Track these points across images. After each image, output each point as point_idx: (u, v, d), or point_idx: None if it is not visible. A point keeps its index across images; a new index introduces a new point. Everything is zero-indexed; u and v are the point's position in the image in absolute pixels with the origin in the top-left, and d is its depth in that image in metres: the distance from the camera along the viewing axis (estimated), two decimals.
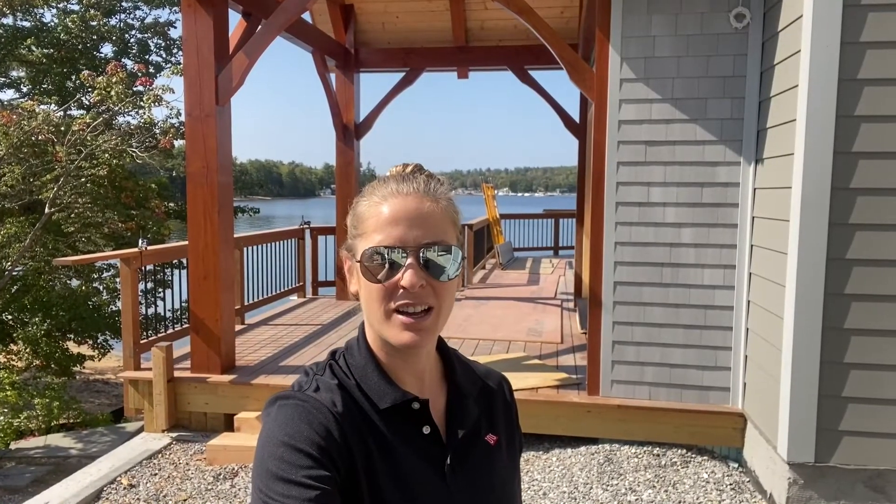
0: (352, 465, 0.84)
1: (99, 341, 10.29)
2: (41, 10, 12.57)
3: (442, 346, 1.00)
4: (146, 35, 13.94)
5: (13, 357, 9.50)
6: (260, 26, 5.01)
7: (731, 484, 3.88)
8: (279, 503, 0.76)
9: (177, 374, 4.88)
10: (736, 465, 4.13)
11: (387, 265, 0.85)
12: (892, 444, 3.37)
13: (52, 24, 12.57)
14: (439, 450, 0.92)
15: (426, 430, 0.92)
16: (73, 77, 12.08)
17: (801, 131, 3.34)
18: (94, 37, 12.73)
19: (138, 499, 3.87)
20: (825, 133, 3.29)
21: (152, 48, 14.00)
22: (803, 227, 3.35)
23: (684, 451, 4.22)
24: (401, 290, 0.86)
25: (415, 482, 0.88)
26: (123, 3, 13.54)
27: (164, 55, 14.08)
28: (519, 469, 1.07)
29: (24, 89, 12.97)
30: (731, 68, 4.09)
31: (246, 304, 6.83)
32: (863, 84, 3.26)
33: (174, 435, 4.71)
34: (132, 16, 13.80)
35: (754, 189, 4.08)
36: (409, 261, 0.85)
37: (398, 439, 0.89)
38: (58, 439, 6.44)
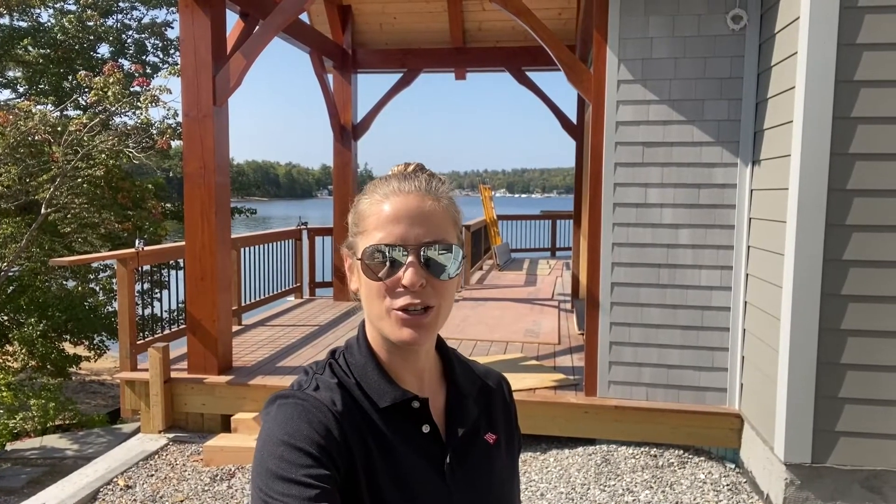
0: (351, 463, 0.84)
1: (95, 342, 10.27)
2: (38, 11, 12.54)
3: (441, 345, 1.00)
4: (143, 35, 13.92)
5: (9, 358, 9.48)
6: (257, 27, 5.00)
7: (727, 484, 3.88)
8: (279, 502, 0.76)
9: (173, 374, 4.87)
10: (733, 466, 4.14)
11: (388, 263, 0.85)
12: (889, 444, 3.38)
13: (49, 24, 12.55)
14: (439, 449, 0.92)
15: (426, 428, 0.92)
16: (70, 77, 12.04)
17: (797, 133, 3.35)
18: (91, 37, 12.70)
19: (135, 500, 3.86)
20: (822, 134, 3.30)
21: (149, 49, 13.99)
22: (800, 229, 3.36)
23: (681, 451, 4.23)
24: (401, 288, 0.86)
25: (414, 481, 0.88)
26: (120, 4, 13.51)
27: (161, 55, 14.07)
28: (518, 468, 1.07)
29: (21, 89, 12.93)
30: (728, 70, 4.10)
31: (243, 304, 6.82)
32: (859, 86, 3.28)
33: (171, 436, 4.70)
34: (129, 16, 13.79)
35: (751, 190, 4.09)
36: (410, 259, 0.85)
37: (398, 438, 0.89)
38: (54, 440, 6.42)
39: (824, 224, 3.34)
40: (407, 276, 0.84)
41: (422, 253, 0.85)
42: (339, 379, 0.90)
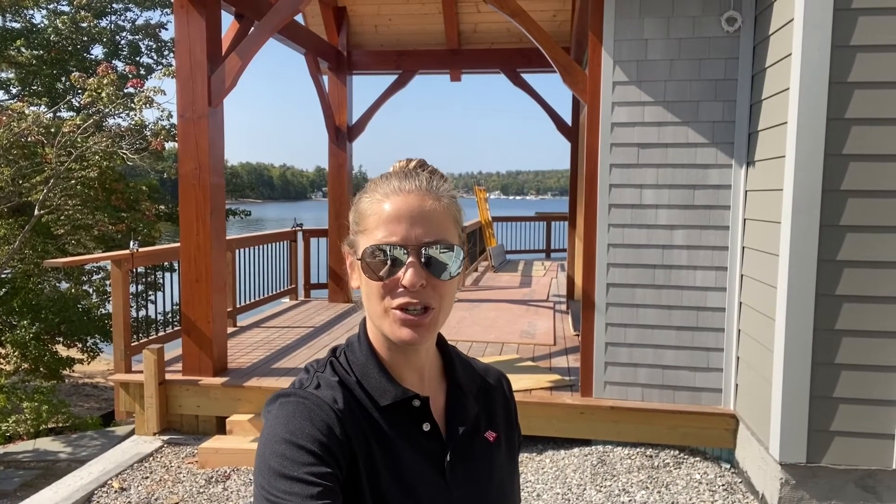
0: (353, 461, 0.84)
1: (88, 344, 10.22)
2: (31, 12, 12.49)
3: (442, 343, 1.00)
4: (137, 37, 13.87)
5: (1, 360, 9.42)
6: (253, 28, 5.00)
7: (723, 485, 3.89)
8: (282, 500, 0.76)
9: (168, 376, 4.85)
10: (728, 466, 4.15)
11: (388, 263, 0.86)
12: (883, 444, 3.39)
13: (42, 25, 12.49)
14: (439, 447, 0.92)
15: (426, 427, 0.92)
16: (64, 78, 11.99)
17: (792, 134, 3.37)
18: (85, 38, 12.65)
19: (129, 502, 3.84)
20: (816, 135, 3.32)
21: (143, 50, 13.94)
22: (794, 229, 3.37)
23: (677, 452, 4.24)
24: (401, 288, 0.86)
25: (414, 478, 0.88)
26: (114, 5, 13.47)
27: (155, 57, 14.02)
28: (518, 466, 1.07)
29: (14, 90, 12.87)
30: (722, 71, 4.12)
31: (238, 306, 6.80)
32: (853, 87, 3.30)
33: (165, 438, 4.68)
34: (123, 17, 13.74)
35: (746, 191, 4.11)
36: (411, 259, 0.85)
37: (398, 436, 0.89)
38: (47, 443, 6.39)
39: (818, 225, 3.35)
40: (407, 276, 0.84)
41: (422, 253, 0.86)
42: (340, 377, 0.91)
